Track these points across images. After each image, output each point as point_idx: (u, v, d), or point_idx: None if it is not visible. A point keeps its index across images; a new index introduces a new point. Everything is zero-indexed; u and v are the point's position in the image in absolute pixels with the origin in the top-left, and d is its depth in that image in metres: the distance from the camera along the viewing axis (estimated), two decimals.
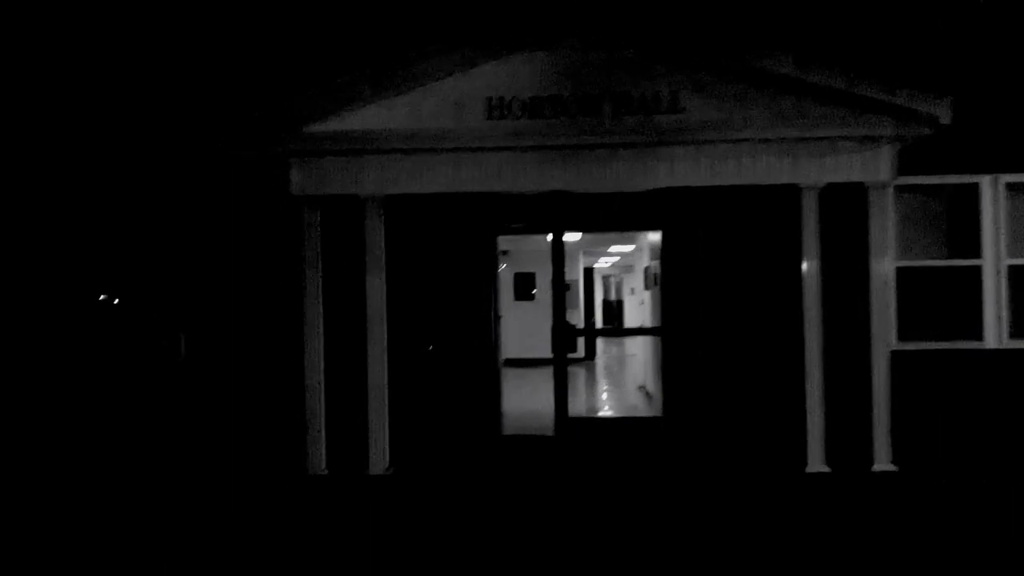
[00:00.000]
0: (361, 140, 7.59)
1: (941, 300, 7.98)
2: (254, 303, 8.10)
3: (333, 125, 7.60)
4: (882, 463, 7.51)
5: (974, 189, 8.00)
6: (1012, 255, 7.90)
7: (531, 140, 7.51)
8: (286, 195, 7.76)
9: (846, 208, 7.67)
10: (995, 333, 7.90)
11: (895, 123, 7.30)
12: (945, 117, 7.16)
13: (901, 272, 7.85)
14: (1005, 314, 7.86)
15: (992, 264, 7.94)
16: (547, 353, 8.78)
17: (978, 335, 7.98)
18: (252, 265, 8.10)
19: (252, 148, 7.57)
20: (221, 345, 8.14)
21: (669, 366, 8.29)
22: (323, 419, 7.82)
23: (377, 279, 7.80)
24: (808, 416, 7.56)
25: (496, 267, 8.70)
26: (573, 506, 6.97)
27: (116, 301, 8.33)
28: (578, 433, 8.44)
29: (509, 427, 9.15)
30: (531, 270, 17.61)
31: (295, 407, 7.84)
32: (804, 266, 7.59)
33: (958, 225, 8.02)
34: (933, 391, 7.85)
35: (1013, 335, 7.91)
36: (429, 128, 7.55)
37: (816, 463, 7.55)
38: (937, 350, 7.92)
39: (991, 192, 7.94)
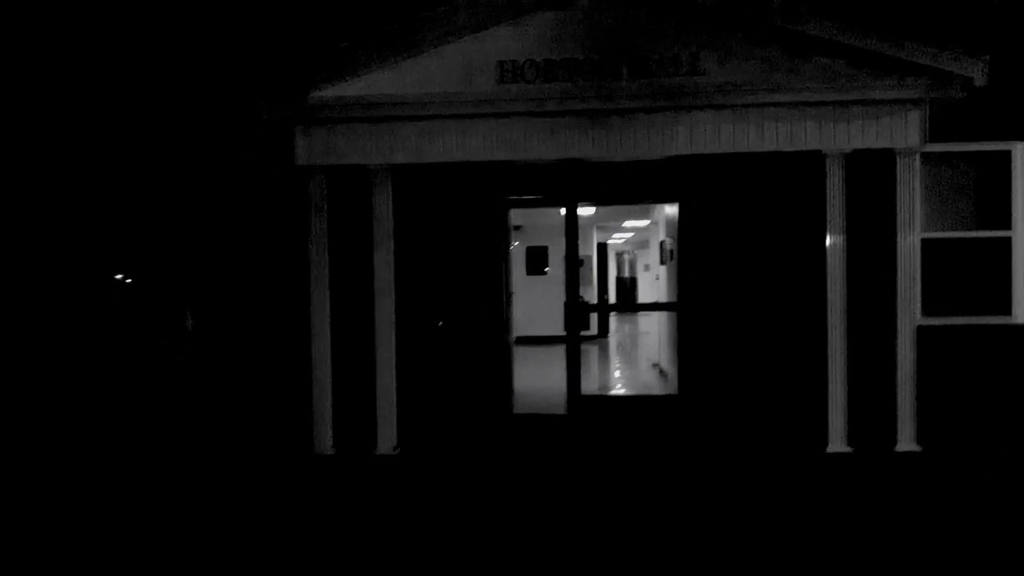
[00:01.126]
0: (368, 106, 7.30)
1: (967, 274, 7.70)
2: (260, 278, 7.88)
3: (339, 91, 7.32)
4: (906, 443, 7.23)
5: (1005, 157, 7.68)
6: None
7: (544, 105, 7.21)
8: (291, 166, 7.49)
9: (872, 177, 7.34)
10: None
11: (927, 85, 6.95)
12: (980, 79, 6.81)
13: (926, 244, 7.53)
14: None
15: (1023, 235, 7.60)
16: (559, 330, 8.54)
17: (1007, 310, 7.69)
18: (257, 239, 7.87)
19: (256, 117, 7.29)
20: (226, 323, 7.93)
21: (685, 343, 8.02)
22: (330, 397, 7.60)
23: (385, 252, 7.54)
24: (830, 394, 7.28)
25: (508, 241, 8.42)
26: (585, 488, 6.73)
27: (128, 280, 8.12)
28: (591, 412, 8.19)
29: (520, 406, 8.91)
30: (543, 244, 17.33)
31: (302, 385, 7.62)
32: (828, 238, 7.27)
33: (987, 195, 7.71)
34: (959, 368, 7.58)
35: None
36: (438, 93, 7.25)
37: (837, 443, 7.28)
38: (964, 325, 7.64)
39: (1023, 159, 7.60)
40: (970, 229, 7.69)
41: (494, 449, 7.76)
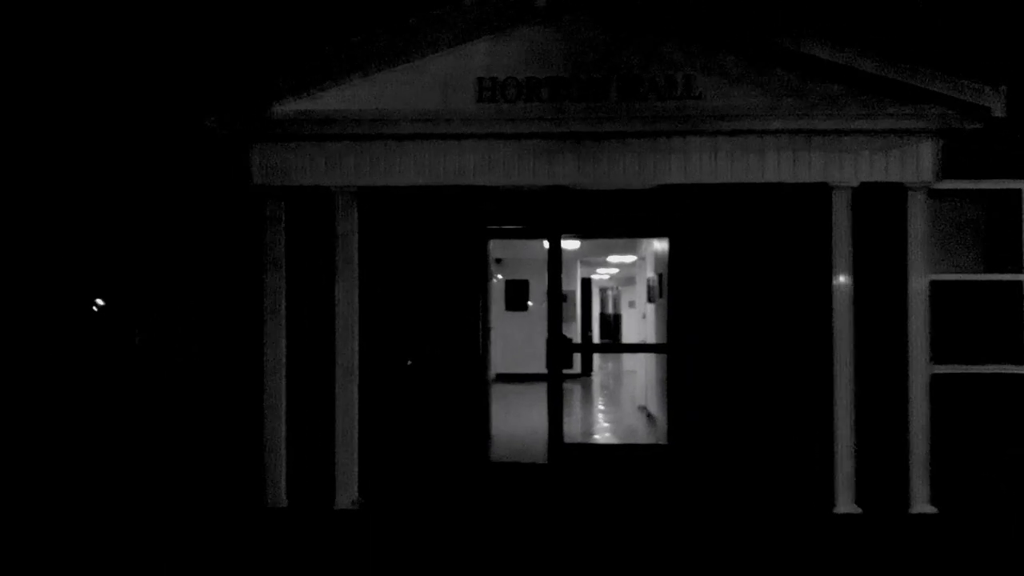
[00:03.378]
0: (333, 123, 6.67)
1: (978, 319, 7.18)
2: (209, 310, 7.18)
3: (302, 105, 6.69)
4: (920, 504, 6.57)
5: (1016, 196, 7.18)
6: None
7: (527, 126, 6.61)
8: (247, 186, 6.83)
9: (881, 213, 6.79)
10: None
11: (942, 115, 6.41)
12: (998, 109, 6.29)
13: (935, 286, 6.95)
14: None
15: None
16: (540, 368, 7.96)
17: (1018, 358, 7.12)
18: (207, 266, 7.17)
19: (208, 131, 6.64)
20: (171, 357, 7.20)
21: (676, 388, 7.39)
22: (284, 444, 6.85)
23: (348, 284, 6.86)
24: (836, 448, 6.63)
25: (487, 274, 7.79)
26: (568, 551, 6.00)
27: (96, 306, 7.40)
28: (574, 462, 7.51)
29: (498, 452, 8.26)
30: (524, 278, 16.72)
31: (253, 429, 6.88)
32: (834, 278, 6.68)
33: (997, 236, 7.23)
34: (974, 421, 7.00)
35: None
36: (411, 111, 6.63)
37: (845, 503, 6.61)
38: (976, 374, 7.08)
39: None
40: (979, 271, 7.21)
41: (467, 504, 7.04)
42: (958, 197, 7.17)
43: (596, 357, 20.89)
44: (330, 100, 6.68)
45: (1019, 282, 7.16)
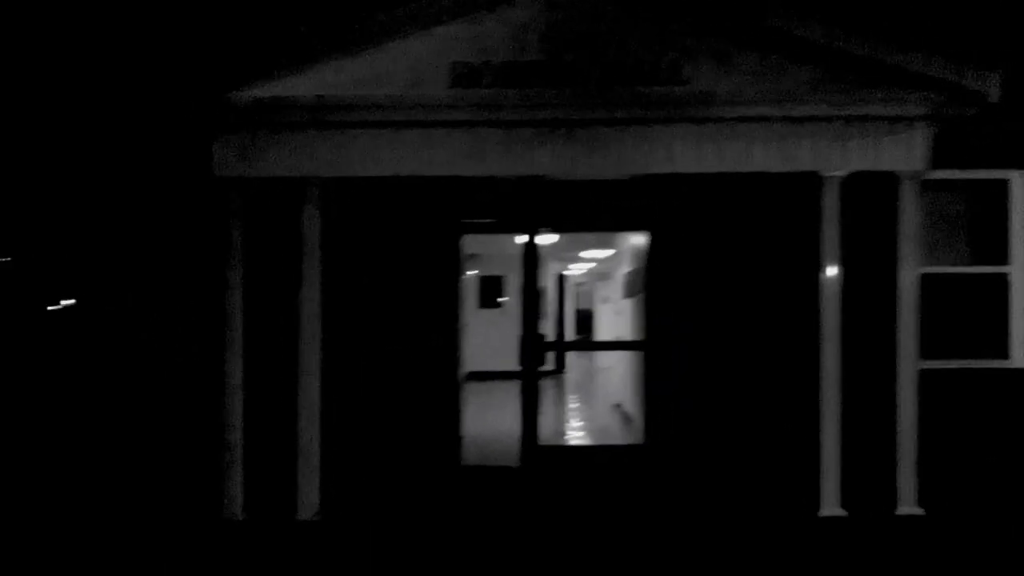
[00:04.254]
0: (296, 110, 6.25)
1: (964, 312, 7.02)
2: (167, 307, 6.73)
3: (263, 92, 6.25)
4: (907, 505, 6.31)
5: (1002, 186, 7.02)
6: None
7: (503, 113, 6.24)
8: (208, 177, 6.38)
9: (872, 204, 6.53)
10: (1023, 351, 6.94)
11: (937, 101, 6.14)
12: (994, 94, 6.03)
13: (924, 279, 6.70)
14: None
15: (1022, 271, 7.00)
16: (512, 365, 7.67)
17: (1004, 353, 6.99)
18: (165, 263, 6.74)
19: (167, 119, 6.20)
20: (124, 357, 6.76)
21: (654, 387, 7.10)
22: (241, 451, 6.41)
23: (312, 280, 6.43)
24: (822, 449, 6.35)
25: (460, 270, 7.43)
26: (543, 563, 5.66)
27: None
28: (548, 465, 7.19)
29: (470, 455, 7.88)
30: (498, 274, 16.35)
31: (210, 436, 6.45)
32: (823, 272, 6.39)
33: (984, 228, 7.08)
34: (962, 418, 6.81)
35: None
36: (380, 97, 6.23)
37: (831, 505, 6.34)
38: (962, 370, 6.91)
39: (1022, 189, 7.01)
40: (966, 264, 7.05)
41: (437, 511, 6.67)
42: (945, 188, 6.98)
43: (570, 353, 20.61)
44: (294, 86, 6.25)
45: (1005, 275, 7.00)
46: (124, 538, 6.06)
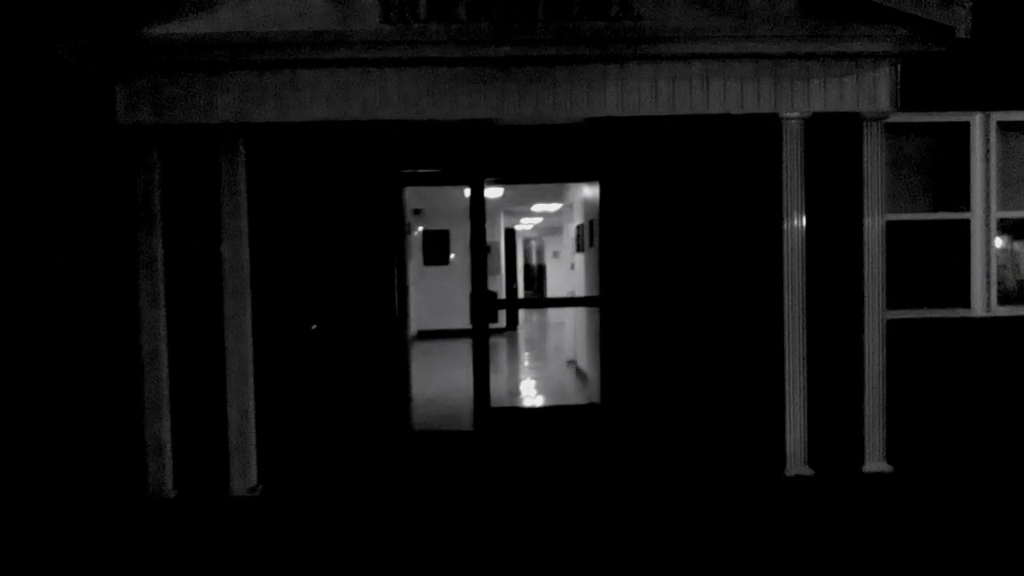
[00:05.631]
0: (210, 48, 5.64)
1: (928, 260, 6.81)
2: (76, 274, 6.13)
3: (172, 28, 5.62)
4: (875, 462, 6.11)
5: (964, 129, 6.82)
6: (1004, 207, 6.84)
7: (441, 50, 5.71)
8: (112, 126, 5.76)
9: (835, 148, 6.20)
10: (983, 299, 6.81)
11: (902, 36, 5.78)
12: (961, 29, 5.69)
13: (890, 227, 6.46)
14: (995, 276, 6.79)
15: (981, 218, 6.84)
16: (462, 324, 7.26)
17: (966, 301, 6.84)
18: (61, 227, 6.11)
19: (58, 60, 5.52)
20: (29, 328, 6.15)
21: (609, 344, 6.73)
22: (169, 423, 5.92)
23: (236, 240, 5.89)
24: (787, 406, 6.08)
25: (403, 224, 6.95)
26: (499, 532, 5.31)
27: None
28: (502, 428, 6.83)
29: (421, 419, 7.51)
30: (444, 228, 15.85)
31: (132, 409, 5.93)
32: (785, 220, 6.05)
33: (947, 173, 6.82)
34: (927, 369, 6.62)
35: (1003, 301, 6.85)
36: (304, 32, 5.65)
37: (797, 464, 6.10)
38: (926, 319, 6.71)
39: (982, 132, 6.82)
40: (925, 211, 6.81)
41: (388, 480, 6.27)
42: (910, 132, 6.71)
43: (523, 310, 20.27)
44: (207, 21, 5.63)
45: (967, 221, 6.79)
46: (35, 521, 5.53)
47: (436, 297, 15.50)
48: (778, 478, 6.06)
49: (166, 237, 5.88)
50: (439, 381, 10.06)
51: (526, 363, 12.64)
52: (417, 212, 15.49)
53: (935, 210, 6.82)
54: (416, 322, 14.82)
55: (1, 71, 5.98)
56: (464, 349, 7.32)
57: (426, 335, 15.52)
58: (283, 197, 6.26)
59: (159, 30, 5.60)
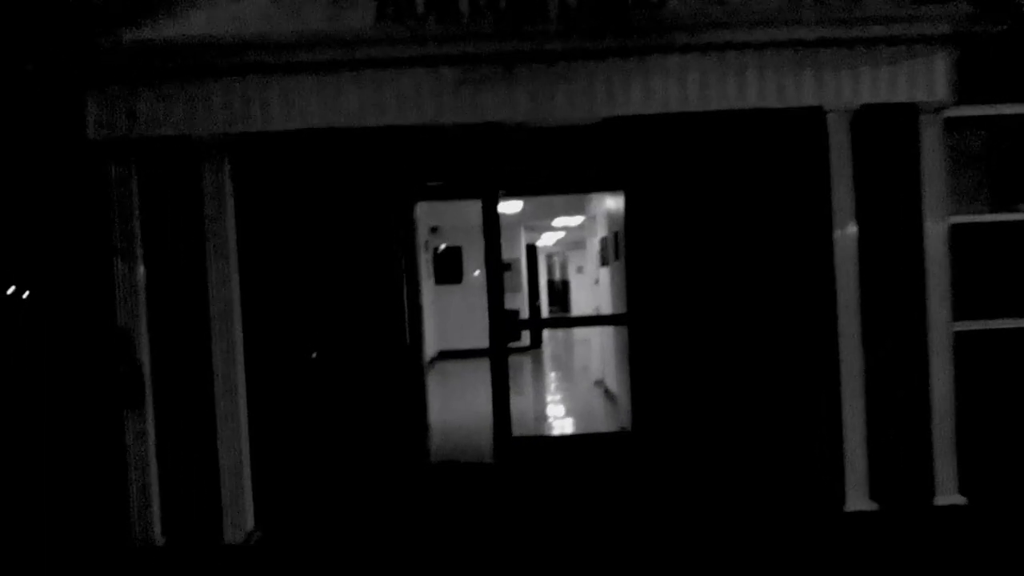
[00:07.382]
0: (188, 52, 5.13)
1: (986, 265, 6.08)
2: (47, 308, 5.63)
3: (146, 33, 5.12)
4: (947, 494, 5.42)
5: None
6: None
7: (442, 47, 5.16)
8: (83, 141, 5.25)
9: (888, 145, 5.53)
10: None
11: (963, 16, 5.14)
12: None
13: (954, 230, 5.77)
14: None
15: None
16: (482, 342, 6.75)
17: None
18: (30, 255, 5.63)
19: (19, 71, 5.04)
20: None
21: (640, 365, 6.13)
22: (155, 466, 5.37)
23: (222, 262, 5.35)
24: (845, 433, 5.42)
25: (414, 241, 6.40)
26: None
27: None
28: (526, 459, 6.24)
29: (439, 449, 6.96)
30: (458, 244, 15.38)
31: (115, 450, 5.39)
32: (836, 226, 5.42)
33: (1006, 170, 6.13)
34: (997, 386, 5.91)
35: None
36: (292, 33, 5.13)
37: (858, 498, 5.42)
38: (1003, 330, 5.99)
39: None
40: (986, 211, 6.10)
41: (403, 519, 5.67)
42: (969, 126, 6.03)
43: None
44: (184, 24, 5.13)
45: None
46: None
47: (455, 316, 15.02)
48: (837, 514, 5.39)
49: (149, 259, 5.34)
50: (459, 406, 9.51)
51: (551, 384, 12.04)
52: (434, 230, 15.04)
53: (995, 210, 6.14)
54: (434, 343, 14.30)
55: None
56: (483, 369, 6.78)
57: (448, 355, 15.03)
58: (278, 214, 5.73)
59: (127, 36, 5.09)
